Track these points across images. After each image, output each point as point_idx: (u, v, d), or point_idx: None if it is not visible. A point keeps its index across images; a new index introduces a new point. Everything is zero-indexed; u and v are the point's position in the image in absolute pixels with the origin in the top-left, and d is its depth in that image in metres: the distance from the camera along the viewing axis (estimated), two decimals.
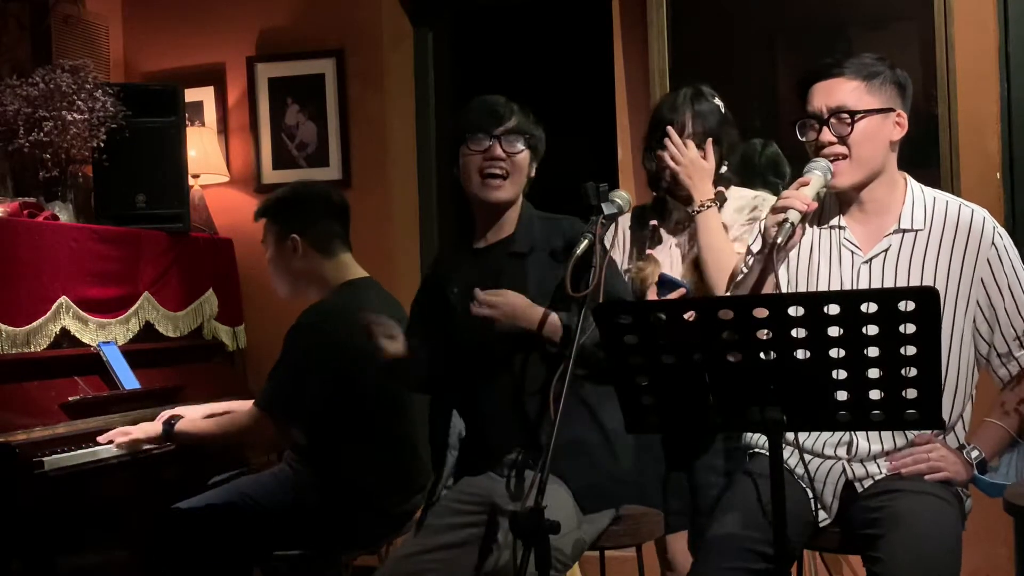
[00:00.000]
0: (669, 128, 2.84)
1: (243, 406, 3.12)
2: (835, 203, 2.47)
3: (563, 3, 4.85)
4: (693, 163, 2.81)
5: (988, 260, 2.37)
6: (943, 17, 3.65)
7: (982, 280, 2.37)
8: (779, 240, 2.22)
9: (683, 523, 2.86)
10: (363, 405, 3.01)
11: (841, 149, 2.37)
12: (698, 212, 2.78)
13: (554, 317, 2.44)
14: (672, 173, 2.84)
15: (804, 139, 2.43)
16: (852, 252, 2.42)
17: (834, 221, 2.46)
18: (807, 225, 2.39)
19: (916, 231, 2.40)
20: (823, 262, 2.44)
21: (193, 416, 3.18)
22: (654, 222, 2.94)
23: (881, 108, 2.38)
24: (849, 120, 2.36)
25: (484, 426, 2.59)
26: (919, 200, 2.42)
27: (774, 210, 2.29)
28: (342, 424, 3.00)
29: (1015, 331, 2.36)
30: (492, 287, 2.49)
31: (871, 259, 2.41)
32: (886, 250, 2.40)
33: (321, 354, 2.96)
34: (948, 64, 3.64)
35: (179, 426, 3.11)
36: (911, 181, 2.46)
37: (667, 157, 2.83)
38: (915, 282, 2.36)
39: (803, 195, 2.27)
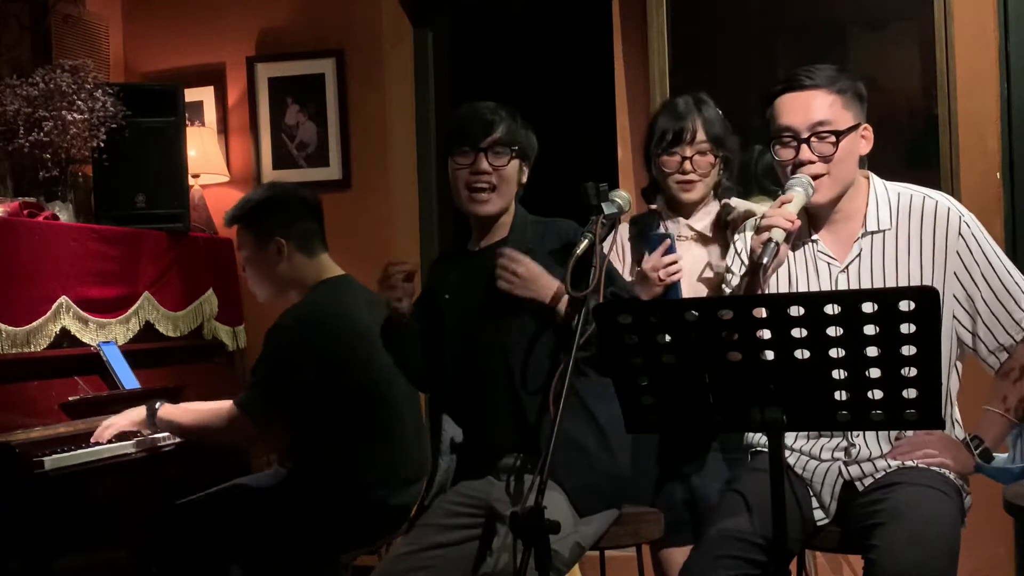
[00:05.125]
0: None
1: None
2: (804, 217, 2.44)
3: (563, 3, 4.85)
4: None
5: (958, 252, 2.36)
6: (943, 17, 3.65)
7: (955, 274, 2.36)
8: (764, 260, 2.21)
9: (678, 539, 2.82)
10: (345, 401, 3.00)
11: (822, 168, 2.35)
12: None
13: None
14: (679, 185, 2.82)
15: (779, 159, 2.40)
16: (828, 263, 2.42)
17: (805, 235, 2.44)
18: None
19: (884, 231, 2.39)
20: (801, 276, 2.44)
21: (179, 405, 3.17)
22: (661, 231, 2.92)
23: (856, 124, 2.37)
24: (833, 140, 2.34)
25: (482, 429, 2.59)
26: (883, 199, 2.42)
27: (758, 230, 2.28)
28: (326, 421, 3.00)
29: (997, 319, 2.35)
30: (485, 289, 2.49)
31: (847, 266, 2.41)
32: (859, 255, 2.40)
33: (301, 354, 2.96)
34: (948, 64, 3.65)
35: (161, 412, 3.09)
36: (874, 179, 2.46)
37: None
38: (889, 283, 2.36)
39: (787, 212, 2.26)
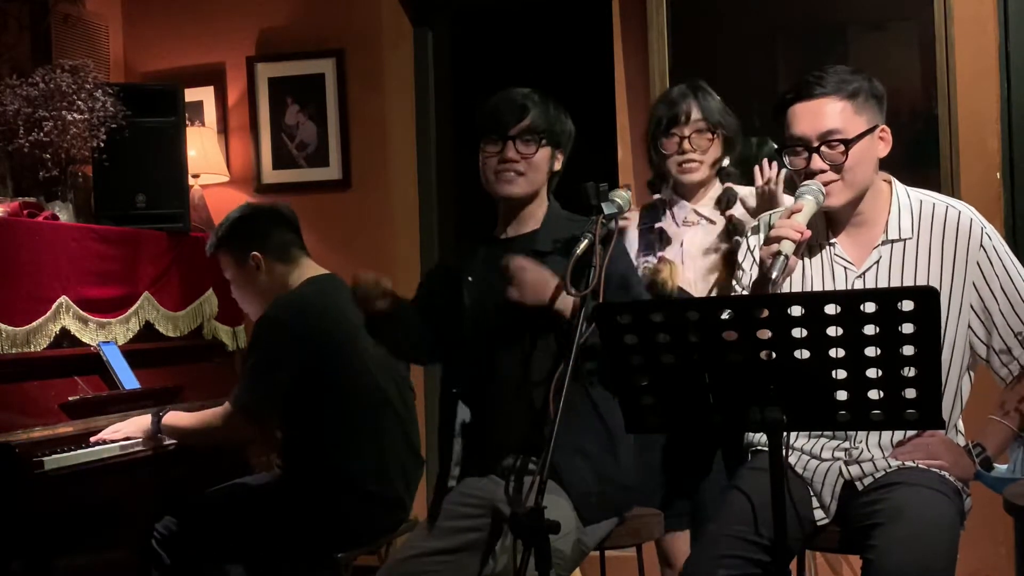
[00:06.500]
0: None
1: None
2: (822, 219, 2.44)
3: (563, 3, 4.85)
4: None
5: (978, 263, 2.35)
6: (943, 17, 3.65)
7: (974, 284, 2.36)
8: (773, 274, 2.19)
9: (683, 523, 2.85)
10: (334, 394, 3.01)
11: (834, 176, 2.34)
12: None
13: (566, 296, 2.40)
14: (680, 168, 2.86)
15: (792, 168, 2.39)
16: (845, 267, 2.41)
17: (823, 238, 2.44)
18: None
19: (905, 240, 2.38)
20: (816, 279, 2.43)
21: (180, 412, 3.18)
22: (659, 224, 2.93)
23: (869, 129, 2.35)
24: (843, 148, 2.32)
25: (489, 423, 2.58)
26: (905, 206, 2.40)
27: (767, 240, 2.26)
28: (315, 415, 3.01)
29: (1012, 331, 2.35)
30: (507, 280, 2.48)
31: (864, 272, 2.40)
32: (877, 262, 2.39)
33: (288, 343, 2.98)
34: (948, 64, 3.65)
35: (165, 419, 3.13)
36: (896, 185, 2.44)
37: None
38: None
39: (796, 224, 2.24)
